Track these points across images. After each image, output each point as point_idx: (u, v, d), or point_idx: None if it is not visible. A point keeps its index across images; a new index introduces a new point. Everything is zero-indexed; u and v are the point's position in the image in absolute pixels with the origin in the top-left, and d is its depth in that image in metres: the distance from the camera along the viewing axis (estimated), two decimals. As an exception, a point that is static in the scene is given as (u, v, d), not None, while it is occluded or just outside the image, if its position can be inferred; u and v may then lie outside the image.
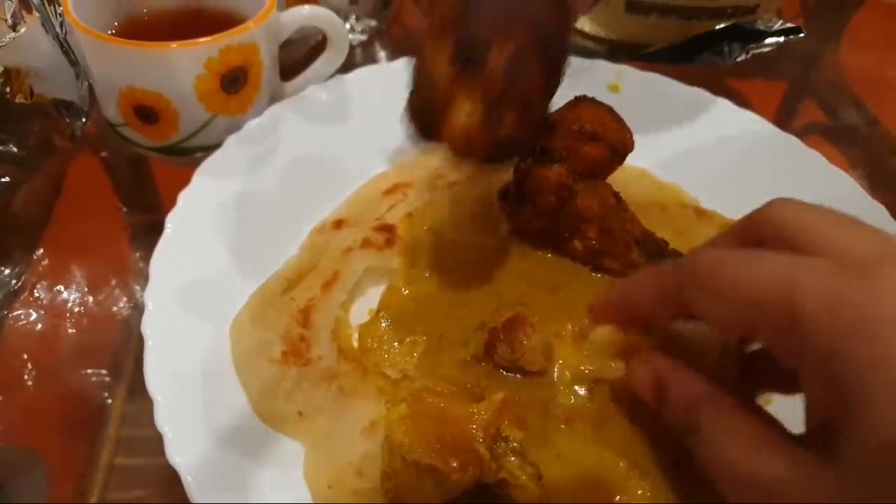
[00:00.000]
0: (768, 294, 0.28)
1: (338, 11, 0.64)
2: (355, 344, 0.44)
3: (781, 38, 0.63)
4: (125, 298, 0.50)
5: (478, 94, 0.35)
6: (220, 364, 0.41)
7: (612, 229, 0.47)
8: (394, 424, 0.34)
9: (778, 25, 0.63)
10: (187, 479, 0.34)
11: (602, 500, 0.37)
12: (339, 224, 0.50)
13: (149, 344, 0.39)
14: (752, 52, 0.63)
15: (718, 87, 0.60)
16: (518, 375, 0.42)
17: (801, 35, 0.62)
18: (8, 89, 0.47)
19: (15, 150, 0.49)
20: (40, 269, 0.51)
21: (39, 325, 0.48)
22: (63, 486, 0.40)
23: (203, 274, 0.44)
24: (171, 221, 0.45)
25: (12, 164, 0.49)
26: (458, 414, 0.35)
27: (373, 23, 0.70)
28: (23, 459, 0.41)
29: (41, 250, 0.52)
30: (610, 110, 0.47)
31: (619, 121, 0.46)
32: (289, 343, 0.42)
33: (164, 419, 0.36)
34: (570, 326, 0.43)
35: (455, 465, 0.33)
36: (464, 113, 0.36)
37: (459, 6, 0.35)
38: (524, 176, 0.47)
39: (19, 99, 0.48)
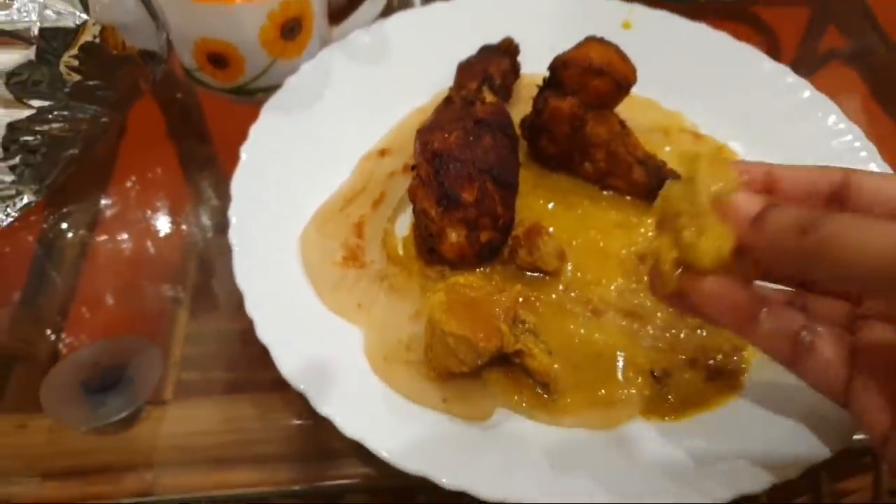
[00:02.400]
0: None
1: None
2: (400, 252, 0.53)
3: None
4: (189, 220, 0.59)
5: (460, 224, 0.49)
6: (292, 265, 0.50)
7: (616, 152, 0.54)
8: (434, 307, 0.44)
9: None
10: (274, 354, 0.44)
11: (600, 372, 0.47)
12: (383, 153, 0.59)
13: (235, 250, 0.49)
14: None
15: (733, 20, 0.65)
16: (537, 274, 0.51)
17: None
18: (105, 43, 0.55)
19: (111, 94, 0.58)
20: (115, 198, 0.61)
21: (116, 246, 0.58)
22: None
23: (274, 194, 0.53)
24: (246, 151, 0.54)
25: (110, 107, 0.58)
26: (484, 300, 0.45)
27: (408, -32, 0.77)
28: (139, 345, 0.51)
29: (114, 182, 0.62)
30: (616, 48, 0.54)
31: (623, 57, 0.53)
32: (347, 249, 0.52)
33: (252, 308, 0.46)
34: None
35: (482, 336, 0.42)
36: (452, 238, 0.49)
37: (433, 171, 0.49)
38: (542, 108, 0.55)
39: (113, 50, 0.56)
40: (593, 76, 0.53)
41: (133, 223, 0.59)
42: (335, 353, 0.46)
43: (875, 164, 0.55)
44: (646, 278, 0.51)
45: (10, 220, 0.57)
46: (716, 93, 0.62)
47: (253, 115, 0.57)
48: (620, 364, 0.47)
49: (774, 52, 0.70)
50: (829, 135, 0.57)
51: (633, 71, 0.54)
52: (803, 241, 0.30)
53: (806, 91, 0.60)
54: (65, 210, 0.59)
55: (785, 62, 0.63)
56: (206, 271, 0.57)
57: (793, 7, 0.81)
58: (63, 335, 0.52)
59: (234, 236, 0.49)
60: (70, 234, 0.58)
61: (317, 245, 0.52)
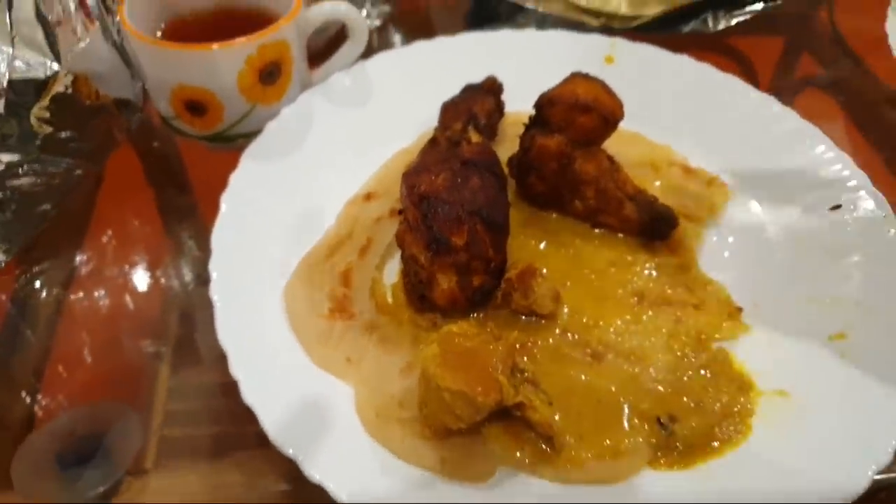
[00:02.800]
0: None
1: (352, 2, 0.70)
2: (389, 300, 0.51)
3: (760, 6, 0.68)
4: (168, 273, 0.57)
5: (450, 269, 0.47)
6: (277, 320, 0.48)
7: (606, 189, 0.53)
8: (428, 360, 0.42)
9: (757, -7, 0.68)
10: (261, 417, 0.41)
11: (604, 421, 0.45)
12: (369, 197, 0.57)
13: (217, 307, 0.46)
14: (734, 19, 0.69)
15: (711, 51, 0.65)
16: (532, 318, 0.49)
17: (779, 2, 0.68)
18: (77, 93, 0.54)
19: (84, 145, 0.56)
20: (90, 253, 0.59)
21: (92, 303, 0.55)
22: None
23: (256, 245, 0.51)
24: (226, 201, 0.53)
25: (84, 159, 0.56)
26: (480, 350, 0.43)
27: (386, 8, 0.77)
28: (117, 411, 0.49)
29: (90, 236, 0.59)
30: (602, 84, 0.53)
31: (609, 92, 0.53)
32: (334, 300, 0.50)
33: (237, 368, 0.44)
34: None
35: (480, 390, 0.40)
36: (443, 284, 0.47)
37: (421, 215, 0.47)
38: (529, 146, 0.53)
39: (87, 101, 0.55)
40: (580, 113, 0.52)
41: (110, 279, 0.57)
42: (325, 411, 0.44)
43: (865, 191, 0.54)
44: (644, 317, 0.50)
45: (-20, 280, 0.54)
46: (703, 124, 0.62)
47: (233, 161, 0.55)
48: (625, 411, 0.45)
49: (752, 81, 0.70)
50: (819, 164, 0.57)
51: (620, 106, 0.53)
52: None
53: (793, 120, 0.59)
54: (38, 267, 0.57)
55: (762, 90, 0.62)
56: (188, 326, 0.55)
57: (767, 36, 0.81)
58: (38, 399, 0.50)
59: (216, 292, 0.47)
60: (44, 292, 0.56)
61: (302, 297, 0.50)
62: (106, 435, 0.46)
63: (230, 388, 0.43)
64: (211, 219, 0.52)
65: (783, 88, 0.76)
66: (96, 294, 0.56)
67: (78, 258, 0.58)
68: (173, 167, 0.67)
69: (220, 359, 0.44)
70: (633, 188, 0.54)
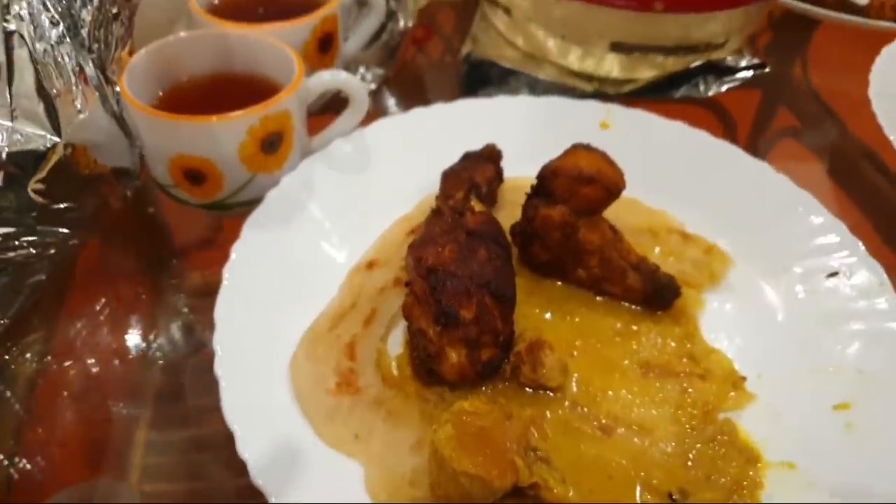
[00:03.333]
0: None
1: (349, 64, 0.71)
2: (395, 372, 0.51)
3: (750, 73, 0.70)
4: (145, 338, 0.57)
5: (459, 343, 0.47)
6: (283, 396, 0.48)
7: (610, 258, 0.54)
8: (442, 442, 0.41)
9: (745, 62, 0.71)
10: (271, 500, 0.41)
11: (616, 497, 0.44)
12: (371, 265, 0.57)
13: (222, 385, 0.45)
14: (724, 85, 0.71)
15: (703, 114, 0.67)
16: (540, 391, 0.49)
17: (767, 69, 0.70)
18: (75, 163, 0.53)
19: (81, 214, 0.55)
20: (70, 322, 0.58)
21: (75, 369, 0.54)
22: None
23: (260, 317, 0.51)
24: (228, 272, 0.52)
25: (79, 227, 0.55)
26: (494, 430, 0.42)
27: (381, 71, 0.77)
28: (112, 490, 0.47)
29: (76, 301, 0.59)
30: (603, 155, 0.54)
31: (612, 164, 0.53)
32: (340, 375, 0.49)
33: (244, 448, 0.43)
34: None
35: (496, 473, 0.40)
36: (453, 358, 0.47)
37: (429, 287, 0.48)
38: (532, 216, 0.54)
39: (84, 170, 0.54)
40: (583, 184, 0.53)
41: (94, 344, 0.56)
42: (335, 492, 0.43)
43: (860, 258, 0.55)
44: (651, 388, 0.50)
45: (-29, 352, 0.53)
46: (699, 191, 0.63)
47: (228, 228, 0.55)
48: (637, 486, 0.45)
49: (743, 142, 0.72)
50: (814, 231, 0.58)
51: (622, 177, 0.54)
52: None
53: (788, 188, 0.61)
54: (25, 334, 0.56)
55: (741, 142, 0.64)
56: (177, 393, 0.54)
57: (755, 97, 0.83)
58: (15, 462, 0.49)
59: (221, 369, 0.46)
60: (33, 363, 0.55)
61: (308, 372, 0.49)
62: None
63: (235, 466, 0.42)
64: (206, 286, 0.53)
65: (768, 147, 0.78)
66: (86, 364, 0.55)
67: (67, 326, 0.57)
68: (167, 233, 0.66)
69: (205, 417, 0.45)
70: (635, 257, 0.54)
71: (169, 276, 0.62)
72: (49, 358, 0.55)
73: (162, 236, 0.66)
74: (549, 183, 0.53)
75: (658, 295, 0.54)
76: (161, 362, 0.55)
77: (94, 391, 0.53)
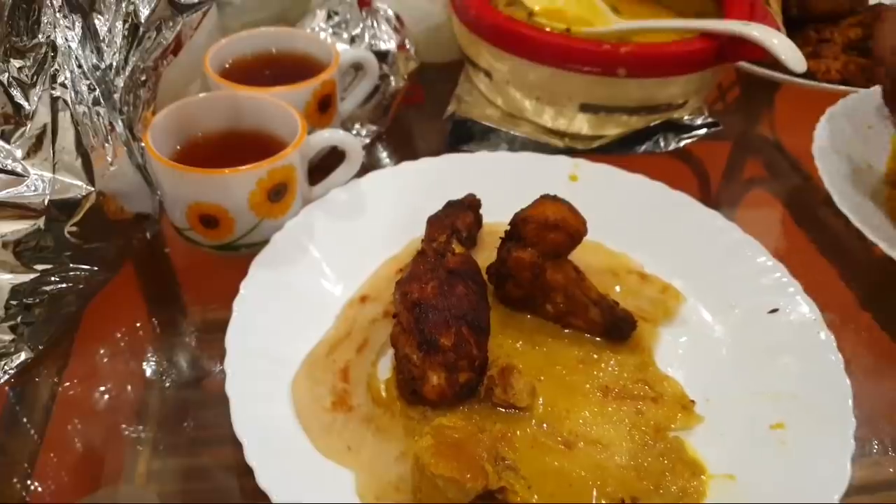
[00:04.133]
0: None
1: (346, 122, 0.79)
2: (384, 394, 0.57)
3: (704, 130, 0.78)
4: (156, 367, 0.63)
5: (440, 367, 0.54)
6: (285, 412, 0.54)
7: (574, 295, 0.61)
8: (423, 451, 0.48)
9: (701, 120, 0.79)
10: (274, 499, 0.47)
11: (576, 500, 0.51)
12: (363, 299, 0.64)
13: (233, 402, 0.52)
14: (682, 141, 0.79)
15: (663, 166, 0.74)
16: (511, 410, 0.56)
17: (720, 128, 0.78)
18: (105, 209, 0.60)
19: (108, 254, 0.62)
20: (86, 350, 0.63)
21: (88, 396, 0.60)
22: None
23: (266, 344, 0.58)
24: (237, 305, 0.59)
25: (106, 265, 0.62)
26: (468, 441, 0.49)
27: (374, 128, 0.85)
28: (137, 496, 0.53)
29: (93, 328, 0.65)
30: (568, 206, 0.61)
31: (575, 213, 0.61)
32: (335, 395, 0.56)
33: (252, 456, 0.49)
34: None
35: (469, 476, 0.46)
36: (434, 381, 0.54)
37: (414, 319, 0.55)
38: (505, 258, 0.61)
39: (112, 216, 0.61)
40: (549, 230, 0.60)
41: (109, 373, 0.62)
42: (330, 495, 0.49)
43: (799, 296, 0.62)
44: (609, 409, 0.57)
45: (5, 377, 0.59)
46: (656, 236, 0.70)
47: (234, 267, 0.62)
48: (594, 493, 0.51)
49: (702, 189, 0.80)
50: (759, 272, 0.65)
51: (584, 224, 0.61)
52: None
53: (736, 233, 0.68)
54: (43, 361, 0.61)
55: (714, 189, 0.71)
56: (186, 425, 0.58)
57: (714, 149, 0.91)
58: (28, 485, 0.54)
59: (231, 388, 0.53)
60: (50, 385, 0.61)
61: (306, 392, 0.56)
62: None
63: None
64: (208, 316, 0.59)
65: (728, 195, 0.86)
66: (92, 384, 0.61)
67: (85, 355, 0.63)
68: (177, 271, 0.74)
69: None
70: (596, 294, 0.61)
71: (179, 310, 0.69)
72: (66, 384, 0.61)
73: (175, 274, 0.73)
74: (520, 229, 0.61)
75: (616, 328, 0.61)
76: (167, 389, 0.61)
77: (106, 416, 0.59)
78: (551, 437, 0.54)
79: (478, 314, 0.57)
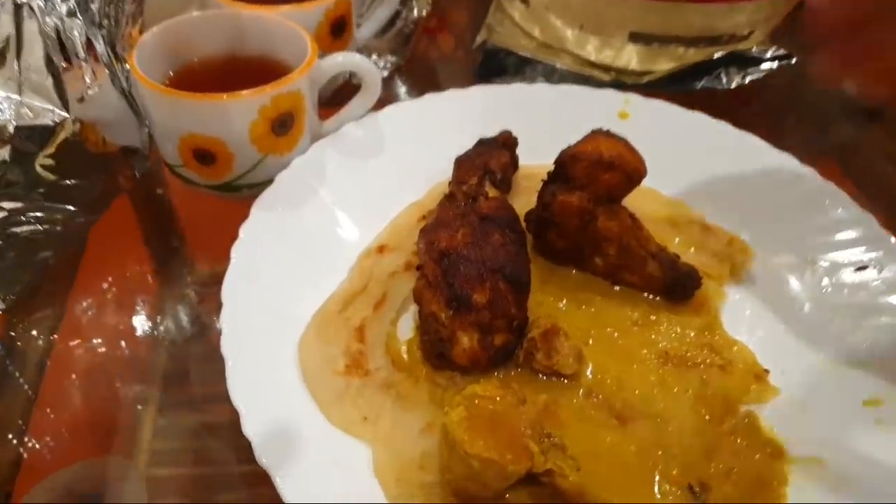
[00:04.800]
0: None
1: (361, 52, 0.70)
2: (405, 356, 0.49)
3: (775, 64, 0.69)
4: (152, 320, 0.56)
5: (472, 327, 0.46)
6: (290, 376, 0.46)
7: (629, 246, 0.52)
8: (454, 425, 0.40)
9: (771, 52, 0.69)
10: (276, 479, 0.39)
11: (633, 487, 0.43)
12: (381, 249, 0.56)
13: (229, 364, 0.44)
14: (748, 77, 0.69)
15: (721, 109, 0.65)
16: (553, 378, 0.47)
17: (794, 60, 0.68)
18: (84, 140, 0.52)
19: (88, 193, 0.54)
20: (84, 297, 0.57)
21: (83, 348, 0.54)
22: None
23: (268, 298, 0.49)
24: (236, 252, 0.51)
25: (87, 206, 0.54)
26: (507, 415, 0.41)
27: (393, 59, 0.76)
28: (120, 469, 0.46)
29: (83, 281, 0.58)
30: (625, 142, 0.52)
31: (633, 151, 0.52)
32: (350, 356, 0.48)
33: (249, 427, 0.41)
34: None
35: (510, 457, 0.39)
36: (465, 343, 0.45)
37: (441, 271, 0.47)
38: (549, 202, 0.52)
39: (93, 148, 0.53)
40: (604, 170, 0.51)
41: (101, 324, 0.55)
42: (343, 474, 0.42)
43: (886, 251, 0.53)
44: (669, 379, 0.48)
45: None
46: (719, 182, 0.61)
47: (235, 211, 0.54)
48: (655, 477, 0.43)
49: (776, 123, 0.71)
50: (842, 223, 0.56)
51: (643, 163, 0.52)
52: None
53: (813, 180, 0.59)
54: (33, 314, 0.55)
55: (765, 135, 0.62)
56: (182, 373, 0.53)
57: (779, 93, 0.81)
58: (25, 442, 0.48)
59: (227, 348, 0.45)
60: (38, 339, 0.54)
61: (317, 353, 0.48)
62: (106, 495, 0.43)
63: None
64: (210, 266, 0.52)
65: (805, 136, 0.76)
66: (92, 343, 0.54)
67: (72, 304, 0.56)
68: (174, 215, 0.65)
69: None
70: (655, 246, 0.53)
71: (176, 258, 0.61)
72: (56, 337, 0.54)
73: (170, 218, 0.65)
74: (567, 168, 0.52)
75: (678, 285, 0.52)
76: (167, 344, 0.54)
77: (102, 372, 0.52)
78: (602, 411, 0.46)
79: (517, 267, 0.48)
